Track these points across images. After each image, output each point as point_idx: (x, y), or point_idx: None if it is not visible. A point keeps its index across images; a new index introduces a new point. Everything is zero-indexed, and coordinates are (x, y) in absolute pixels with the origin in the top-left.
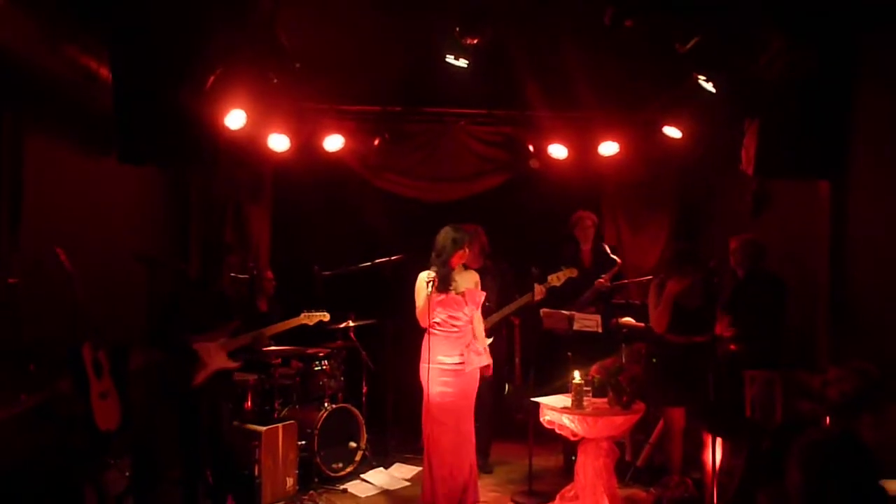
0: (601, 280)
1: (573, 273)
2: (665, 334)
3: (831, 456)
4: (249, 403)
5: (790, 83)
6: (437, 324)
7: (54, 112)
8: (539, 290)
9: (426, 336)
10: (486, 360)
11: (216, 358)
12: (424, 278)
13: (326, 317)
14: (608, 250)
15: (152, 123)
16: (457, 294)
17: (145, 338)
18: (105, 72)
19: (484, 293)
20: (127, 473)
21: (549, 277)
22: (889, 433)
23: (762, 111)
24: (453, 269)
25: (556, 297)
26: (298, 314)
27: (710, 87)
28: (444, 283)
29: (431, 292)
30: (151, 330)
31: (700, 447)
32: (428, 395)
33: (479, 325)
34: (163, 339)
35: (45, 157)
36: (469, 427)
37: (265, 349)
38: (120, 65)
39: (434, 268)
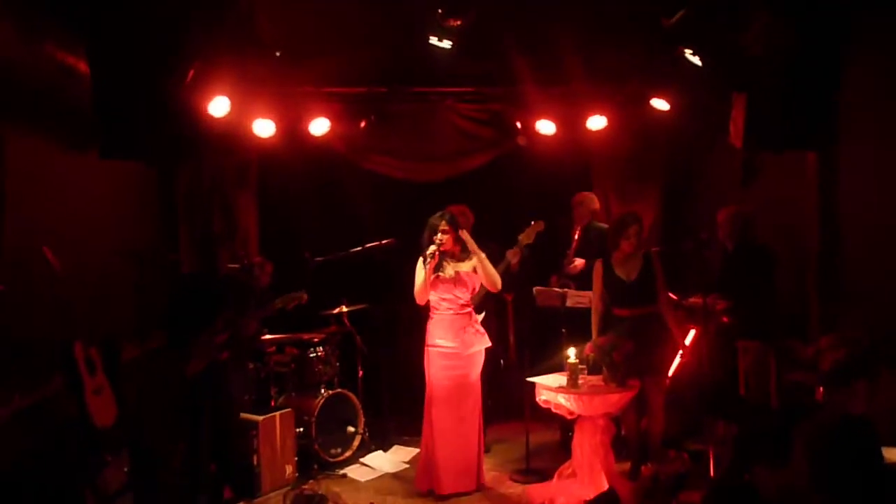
0: (576, 263)
1: (540, 226)
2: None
3: (835, 442)
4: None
5: (776, 57)
6: (433, 306)
7: (33, 108)
8: (514, 253)
9: (428, 319)
10: (487, 342)
11: (207, 350)
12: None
13: (304, 298)
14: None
15: (132, 118)
16: (448, 277)
17: (136, 331)
18: (84, 66)
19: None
20: (125, 469)
21: (519, 238)
22: (882, 401)
23: (749, 85)
24: (445, 253)
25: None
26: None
27: (696, 60)
28: (435, 267)
29: (428, 270)
30: (156, 322)
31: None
32: (429, 378)
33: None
34: (170, 331)
35: (25, 154)
36: (473, 409)
37: (260, 337)
38: (97, 59)
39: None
